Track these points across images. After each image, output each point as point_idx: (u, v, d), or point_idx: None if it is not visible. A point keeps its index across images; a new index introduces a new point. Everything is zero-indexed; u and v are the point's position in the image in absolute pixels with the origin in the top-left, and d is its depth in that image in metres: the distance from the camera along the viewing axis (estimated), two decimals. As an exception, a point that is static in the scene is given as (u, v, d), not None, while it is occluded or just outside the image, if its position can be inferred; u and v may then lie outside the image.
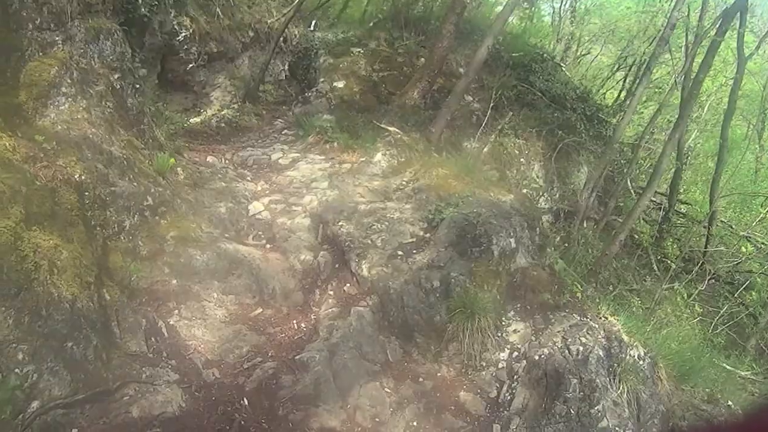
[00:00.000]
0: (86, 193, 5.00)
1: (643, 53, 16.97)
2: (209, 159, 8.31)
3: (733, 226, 15.69)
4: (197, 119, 10.53)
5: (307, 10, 11.73)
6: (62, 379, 3.81)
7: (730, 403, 6.53)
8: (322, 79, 10.75)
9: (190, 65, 10.30)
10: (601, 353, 5.35)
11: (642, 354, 5.77)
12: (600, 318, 5.90)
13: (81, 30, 5.82)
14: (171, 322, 4.96)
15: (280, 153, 8.91)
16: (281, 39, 11.10)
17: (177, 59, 10.01)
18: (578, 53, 21.35)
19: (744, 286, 13.48)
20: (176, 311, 5.09)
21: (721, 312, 12.32)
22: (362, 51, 11.21)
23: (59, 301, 3.98)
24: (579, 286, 6.37)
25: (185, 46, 9.96)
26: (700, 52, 11.69)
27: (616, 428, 5.10)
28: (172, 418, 4.10)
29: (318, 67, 10.94)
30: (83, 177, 5.00)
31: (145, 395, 4.17)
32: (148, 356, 4.53)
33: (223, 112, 10.82)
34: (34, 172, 4.53)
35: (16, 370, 3.57)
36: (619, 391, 5.31)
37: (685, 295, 11.23)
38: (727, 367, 10.53)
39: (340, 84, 10.61)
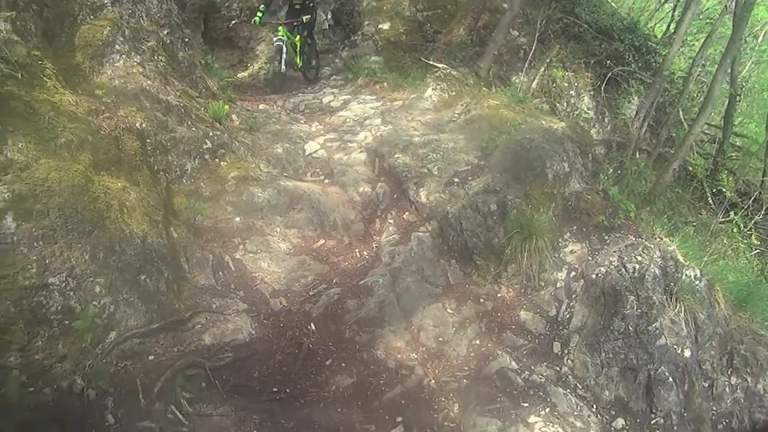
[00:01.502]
0: (148, 140, 5.14)
1: (693, -19, 16.26)
2: (261, 106, 8.40)
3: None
4: (245, 73, 10.63)
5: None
6: (137, 310, 3.95)
7: None
8: (367, 22, 10.63)
9: (233, 22, 10.48)
10: (657, 271, 5.28)
11: (698, 275, 5.67)
12: (655, 238, 5.80)
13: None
14: (237, 257, 5.07)
15: (331, 96, 8.95)
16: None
17: (219, 17, 10.19)
18: (623, -16, 20.72)
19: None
20: (241, 246, 5.19)
21: (782, 245, 11.99)
22: (406, -8, 11.01)
23: (131, 238, 4.11)
24: (633, 208, 6.27)
25: (227, 3, 10.16)
26: (752, -27, 11.26)
27: (674, 346, 5.03)
28: (243, 344, 4.23)
29: (362, 10, 10.83)
30: (144, 125, 5.13)
31: (216, 324, 4.29)
32: (216, 288, 4.66)
33: (269, 65, 10.85)
34: (98, 123, 4.68)
35: (94, 302, 3.70)
36: (676, 310, 5.23)
37: (741, 226, 10.91)
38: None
39: (386, 26, 10.47)
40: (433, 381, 4.31)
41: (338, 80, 9.88)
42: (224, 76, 9.10)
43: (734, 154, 15.36)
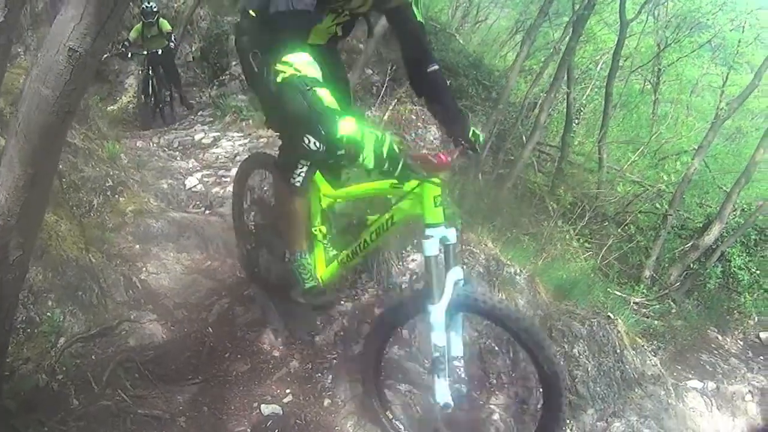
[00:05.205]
0: (63, 179, 6.53)
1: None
2: (139, 144, 9.82)
3: (621, 171, 18.06)
4: (114, 107, 11.86)
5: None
6: (79, 320, 5.32)
7: (610, 314, 8.46)
8: (234, 63, 12.16)
9: (105, 55, 11.58)
10: (480, 269, 7.35)
11: (518, 271, 7.77)
12: (481, 245, 7.87)
13: (34, 39, 7.29)
14: (142, 277, 6.49)
15: (202, 134, 10.49)
16: (188, 23, 12.45)
17: (90, 52, 11.23)
18: (477, 19, 23.31)
19: (627, 222, 15.92)
20: (144, 269, 6.64)
21: (609, 243, 14.73)
22: (271, 34, 12.56)
23: (68, 261, 5.53)
24: (460, 222, 8.28)
25: (96, 38, 11.23)
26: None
27: (498, 324, 7.06)
28: (159, 345, 5.67)
29: (229, 51, 12.28)
30: (60, 166, 6.50)
31: (136, 330, 5.70)
32: (131, 303, 6.05)
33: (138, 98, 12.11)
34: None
35: (48, 313, 5.11)
36: (498, 297, 7.27)
37: (572, 231, 13.25)
38: (618, 293, 12.82)
39: (252, 65, 12.01)
40: (310, 364, 6.00)
41: (206, 117, 11.40)
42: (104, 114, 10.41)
43: (573, 171, 18.04)
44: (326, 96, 3.41)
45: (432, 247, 3.71)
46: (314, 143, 4.12)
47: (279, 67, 3.49)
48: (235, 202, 6.49)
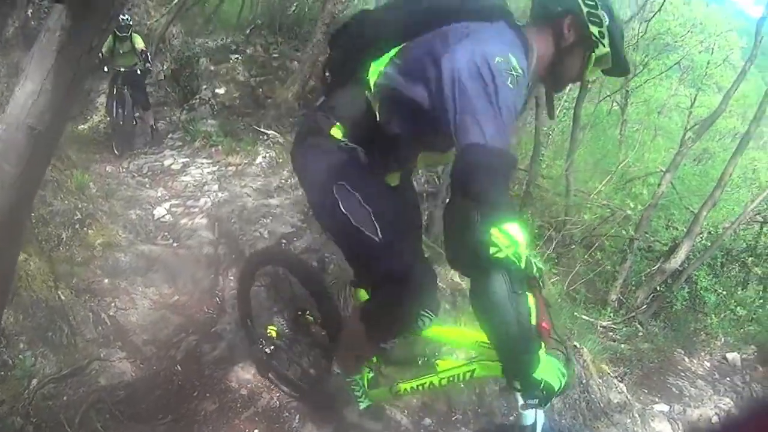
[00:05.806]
0: (33, 214, 6.64)
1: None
2: (108, 169, 9.92)
3: (589, 196, 18.37)
4: (85, 126, 11.87)
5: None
6: (50, 361, 5.40)
7: (576, 343, 8.64)
8: (204, 86, 12.27)
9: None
10: (447, 306, 7.49)
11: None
12: (447, 279, 8.06)
13: (4, 66, 7.37)
14: (111, 313, 6.58)
15: (171, 159, 10.60)
16: (160, 41, 12.57)
17: (60, 69, 11.28)
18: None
19: (595, 246, 16.24)
20: (113, 304, 6.73)
21: (576, 269, 15.03)
22: (240, 57, 12.84)
23: (38, 302, 5.62)
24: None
25: (68, 56, 11.27)
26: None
27: (456, 356, 7.24)
28: (130, 383, 5.76)
29: (200, 74, 12.38)
30: (27, 202, 6.65)
31: (106, 369, 5.78)
32: (100, 341, 6.14)
33: (108, 118, 12.07)
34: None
35: (20, 356, 5.21)
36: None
37: (540, 257, 13.51)
38: (586, 317, 13.10)
39: (221, 90, 12.26)
40: (278, 402, 6.15)
41: (176, 140, 11.49)
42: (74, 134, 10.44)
43: (542, 194, 18.33)
44: (534, 307, 2.70)
45: (531, 416, 2.93)
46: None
47: (497, 237, 2.49)
48: (240, 306, 6.11)
